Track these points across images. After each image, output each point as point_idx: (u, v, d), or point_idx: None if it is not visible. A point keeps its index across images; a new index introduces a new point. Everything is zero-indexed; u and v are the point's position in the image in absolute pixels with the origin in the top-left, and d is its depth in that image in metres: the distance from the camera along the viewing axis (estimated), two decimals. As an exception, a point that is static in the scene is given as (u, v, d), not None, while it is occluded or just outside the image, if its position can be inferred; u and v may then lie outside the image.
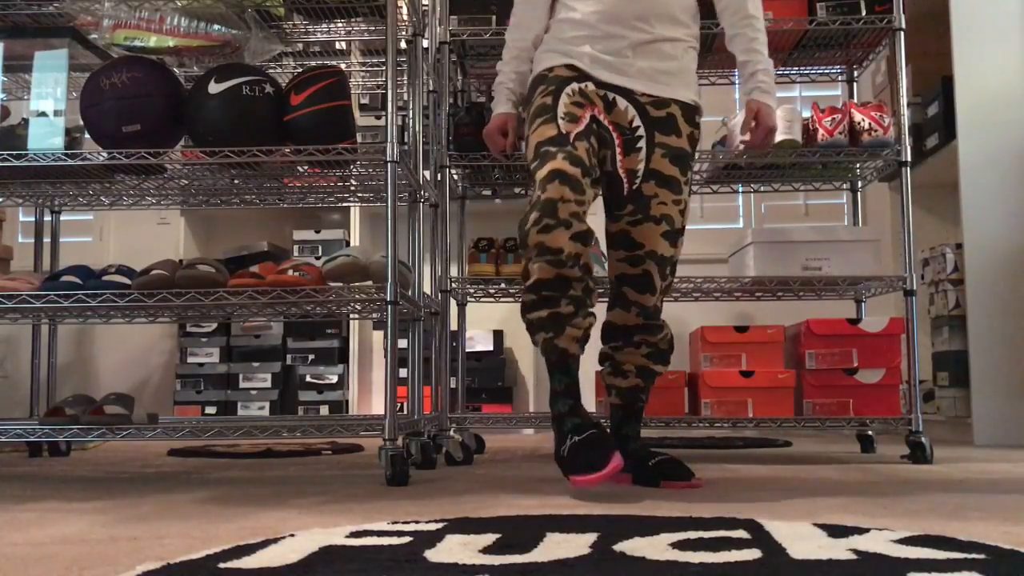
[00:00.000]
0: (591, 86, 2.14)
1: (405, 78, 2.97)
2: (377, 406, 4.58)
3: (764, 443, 3.50)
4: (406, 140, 2.95)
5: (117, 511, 1.79)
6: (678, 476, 2.10)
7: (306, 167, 2.68)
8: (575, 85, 2.13)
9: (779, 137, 2.95)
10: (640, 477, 2.16)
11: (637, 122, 2.15)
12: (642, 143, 2.15)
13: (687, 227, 2.24)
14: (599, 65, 2.15)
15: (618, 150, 2.15)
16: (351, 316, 3.91)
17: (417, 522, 1.55)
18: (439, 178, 2.99)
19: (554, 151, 2.02)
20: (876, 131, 2.90)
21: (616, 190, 2.17)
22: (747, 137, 2.23)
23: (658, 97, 2.17)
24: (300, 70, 2.75)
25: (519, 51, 2.30)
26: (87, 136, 2.54)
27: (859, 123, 2.93)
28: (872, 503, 1.80)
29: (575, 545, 1.30)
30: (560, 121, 2.08)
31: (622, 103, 2.16)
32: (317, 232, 4.53)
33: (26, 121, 2.53)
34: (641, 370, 2.22)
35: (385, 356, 3.26)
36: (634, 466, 2.16)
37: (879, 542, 1.31)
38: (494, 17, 3.00)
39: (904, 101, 2.93)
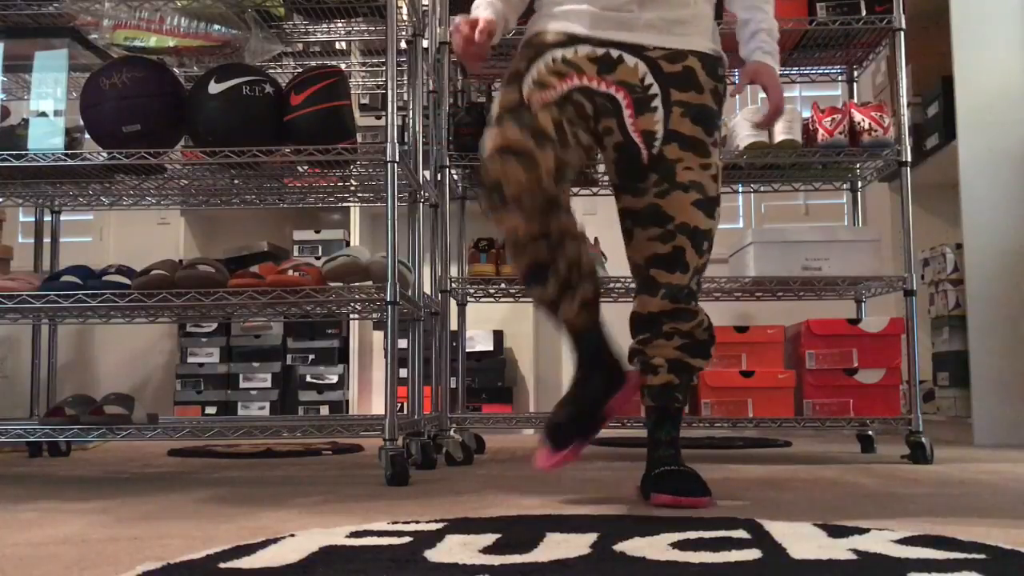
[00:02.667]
0: (584, 50, 1.88)
1: (405, 78, 2.97)
2: (377, 406, 4.57)
3: (764, 443, 3.50)
4: (406, 140, 2.95)
5: (117, 511, 1.79)
6: (673, 489, 1.80)
7: (306, 167, 2.68)
8: (559, 52, 1.88)
9: (779, 137, 2.96)
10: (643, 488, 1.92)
11: (650, 79, 1.88)
12: (657, 102, 1.88)
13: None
14: (601, 23, 1.89)
15: (628, 111, 1.88)
16: (351, 316, 3.91)
17: (417, 522, 1.55)
18: (439, 178, 2.99)
19: (507, 118, 1.78)
20: (876, 131, 2.90)
21: (634, 158, 1.89)
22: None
23: (672, 50, 1.89)
24: (300, 70, 2.75)
25: None
26: (87, 136, 2.54)
27: (859, 123, 2.93)
28: (872, 503, 1.80)
29: (575, 545, 1.30)
30: (526, 87, 1.85)
31: (631, 60, 1.88)
32: (317, 232, 4.52)
33: (26, 121, 2.53)
34: (674, 364, 1.90)
35: (385, 356, 3.25)
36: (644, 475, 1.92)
37: (879, 542, 1.31)
38: (494, 17, 2.99)
39: (904, 101, 2.93)
